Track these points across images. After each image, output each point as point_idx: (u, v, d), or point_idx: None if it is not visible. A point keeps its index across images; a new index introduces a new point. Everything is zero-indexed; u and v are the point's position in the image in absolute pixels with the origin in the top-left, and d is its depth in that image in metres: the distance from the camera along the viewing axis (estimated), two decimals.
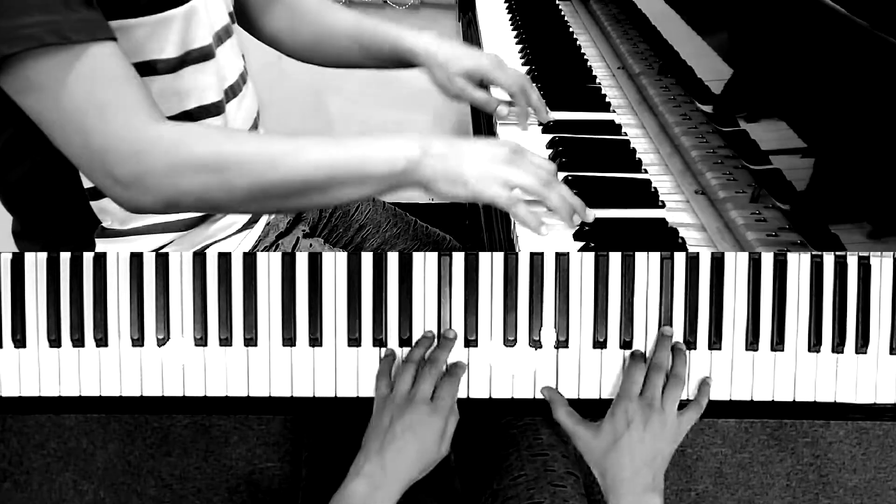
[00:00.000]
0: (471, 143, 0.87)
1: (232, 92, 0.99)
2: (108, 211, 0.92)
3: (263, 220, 1.06)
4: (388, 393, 0.81)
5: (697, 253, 0.82)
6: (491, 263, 0.82)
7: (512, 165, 0.85)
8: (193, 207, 0.86)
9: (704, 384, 0.82)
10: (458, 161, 0.84)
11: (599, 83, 1.34)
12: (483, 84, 1.12)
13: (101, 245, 0.93)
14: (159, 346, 0.83)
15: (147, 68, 0.86)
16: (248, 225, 1.03)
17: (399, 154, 0.83)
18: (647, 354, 0.82)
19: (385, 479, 0.77)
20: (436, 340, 0.83)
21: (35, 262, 0.83)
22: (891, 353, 0.82)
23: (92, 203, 0.91)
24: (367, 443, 0.79)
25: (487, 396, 0.83)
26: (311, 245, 1.09)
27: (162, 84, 0.88)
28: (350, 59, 1.15)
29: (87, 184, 0.90)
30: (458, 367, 0.83)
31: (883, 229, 0.79)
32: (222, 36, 0.97)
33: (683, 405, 0.81)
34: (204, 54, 0.91)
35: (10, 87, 0.77)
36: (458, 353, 0.83)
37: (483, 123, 1.32)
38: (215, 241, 1.00)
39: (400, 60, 1.12)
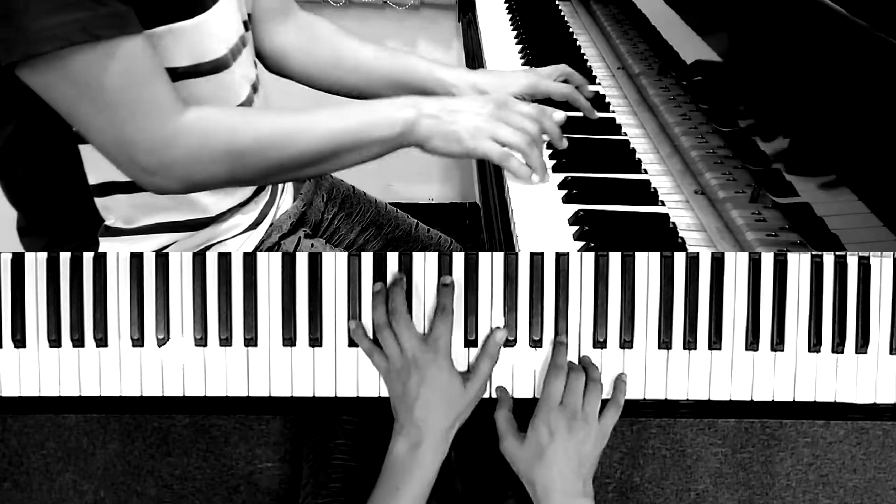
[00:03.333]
0: (460, 101, 0.94)
1: (248, 102, 0.98)
2: (112, 209, 0.92)
3: (267, 221, 1.06)
4: (387, 363, 0.81)
5: (697, 253, 0.82)
6: (491, 263, 0.83)
7: (500, 121, 0.92)
8: (216, 187, 0.91)
9: (620, 381, 0.82)
10: (451, 119, 0.91)
11: (599, 83, 1.34)
12: None
13: (105, 244, 0.93)
14: (159, 346, 0.83)
15: None
16: (252, 226, 1.03)
17: (396, 117, 0.89)
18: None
19: (422, 434, 0.78)
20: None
21: (35, 262, 0.83)
22: (891, 353, 0.82)
23: (97, 200, 0.91)
24: (396, 411, 0.80)
25: (487, 396, 0.83)
26: (312, 245, 1.09)
27: None
28: (369, 89, 1.13)
29: (92, 180, 0.90)
30: (446, 293, 0.82)
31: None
32: (238, 47, 0.96)
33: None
34: (216, 66, 0.91)
35: (38, 84, 0.78)
36: (458, 353, 0.83)
37: None
38: (219, 242, 1.00)
39: (432, 92, 1.10)
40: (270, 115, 0.88)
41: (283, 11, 1.12)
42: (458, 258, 0.83)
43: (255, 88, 1.01)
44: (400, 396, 0.80)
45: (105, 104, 0.78)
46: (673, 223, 0.93)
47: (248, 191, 1.01)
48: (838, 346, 0.82)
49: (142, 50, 0.79)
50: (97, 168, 0.89)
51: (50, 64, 0.75)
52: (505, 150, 0.92)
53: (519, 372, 0.83)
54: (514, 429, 0.81)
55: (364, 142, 0.88)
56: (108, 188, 0.90)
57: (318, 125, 0.87)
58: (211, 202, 0.96)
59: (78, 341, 0.83)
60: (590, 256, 0.82)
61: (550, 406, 0.79)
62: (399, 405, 0.80)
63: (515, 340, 0.83)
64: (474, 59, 1.52)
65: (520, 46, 1.49)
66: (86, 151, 0.88)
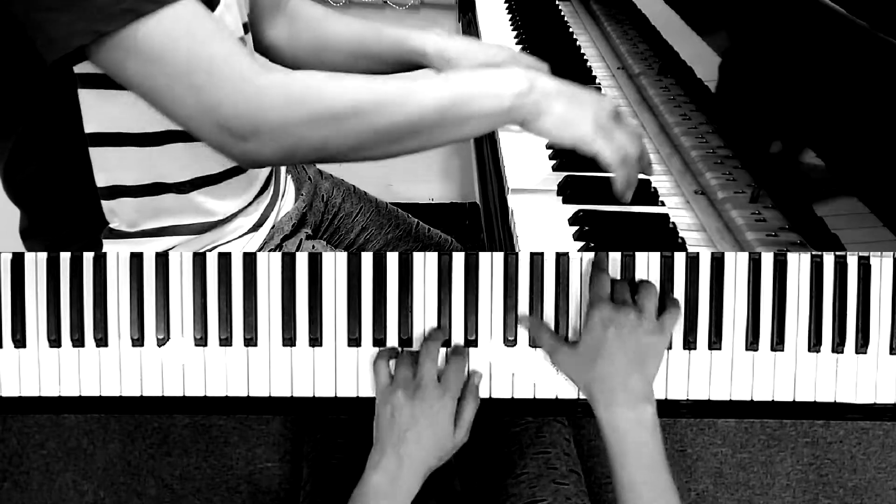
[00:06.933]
0: (577, 88, 0.86)
1: None
2: (117, 212, 0.92)
3: (269, 222, 1.06)
4: (389, 382, 0.80)
5: (697, 253, 0.82)
6: (491, 263, 0.83)
7: (616, 126, 0.86)
8: (310, 156, 0.85)
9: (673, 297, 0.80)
10: (570, 102, 0.84)
11: (599, 83, 1.34)
12: None
13: (108, 246, 0.93)
14: (159, 346, 0.83)
15: None
16: (253, 228, 1.03)
17: (506, 90, 0.82)
18: None
19: (402, 469, 0.75)
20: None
21: (35, 262, 0.83)
22: (891, 353, 0.82)
23: (104, 203, 0.91)
24: (379, 436, 0.78)
25: (488, 396, 0.83)
26: (313, 247, 1.09)
27: None
28: (353, 66, 1.12)
29: (100, 182, 0.90)
30: (461, 348, 0.81)
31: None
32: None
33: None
34: None
35: (109, 62, 0.76)
36: None
37: None
38: (222, 244, 1.00)
39: (406, 62, 1.10)
40: (366, 79, 0.82)
41: (275, 7, 1.12)
42: (458, 258, 0.83)
43: None
44: (389, 421, 0.77)
45: (180, 71, 0.75)
46: (673, 223, 0.93)
47: (253, 192, 1.01)
48: (838, 346, 0.82)
49: (203, 10, 0.78)
50: (106, 171, 0.89)
51: (119, 41, 0.74)
52: (620, 157, 0.85)
53: (519, 373, 0.83)
54: (560, 339, 0.78)
55: (467, 115, 0.81)
56: (116, 192, 0.90)
57: (419, 92, 0.81)
58: (217, 206, 0.96)
59: (78, 341, 0.83)
60: (590, 256, 0.82)
61: (601, 300, 0.77)
62: (385, 431, 0.77)
63: (515, 340, 0.83)
64: None
65: (520, 46, 1.49)
66: (95, 154, 0.88)
